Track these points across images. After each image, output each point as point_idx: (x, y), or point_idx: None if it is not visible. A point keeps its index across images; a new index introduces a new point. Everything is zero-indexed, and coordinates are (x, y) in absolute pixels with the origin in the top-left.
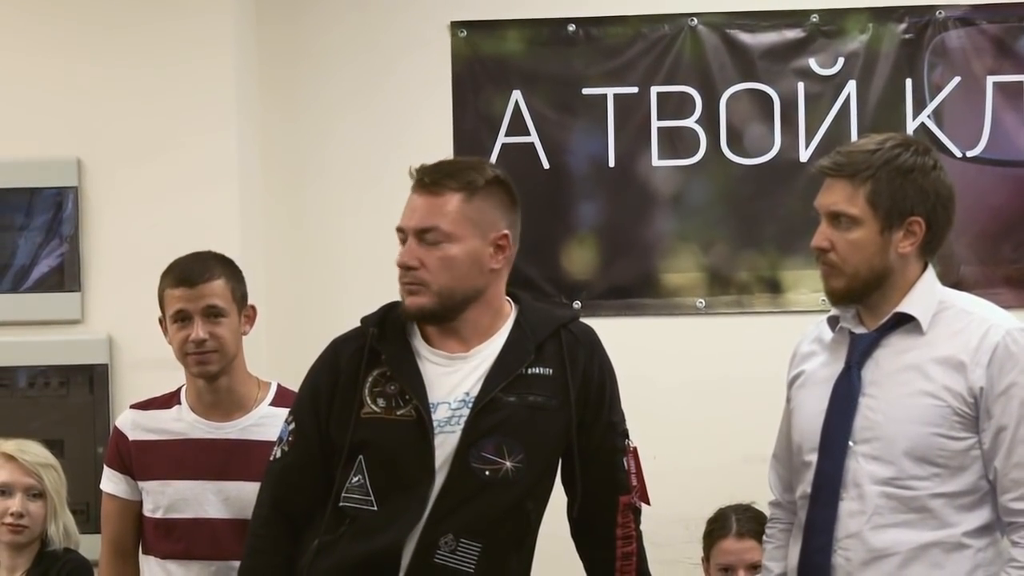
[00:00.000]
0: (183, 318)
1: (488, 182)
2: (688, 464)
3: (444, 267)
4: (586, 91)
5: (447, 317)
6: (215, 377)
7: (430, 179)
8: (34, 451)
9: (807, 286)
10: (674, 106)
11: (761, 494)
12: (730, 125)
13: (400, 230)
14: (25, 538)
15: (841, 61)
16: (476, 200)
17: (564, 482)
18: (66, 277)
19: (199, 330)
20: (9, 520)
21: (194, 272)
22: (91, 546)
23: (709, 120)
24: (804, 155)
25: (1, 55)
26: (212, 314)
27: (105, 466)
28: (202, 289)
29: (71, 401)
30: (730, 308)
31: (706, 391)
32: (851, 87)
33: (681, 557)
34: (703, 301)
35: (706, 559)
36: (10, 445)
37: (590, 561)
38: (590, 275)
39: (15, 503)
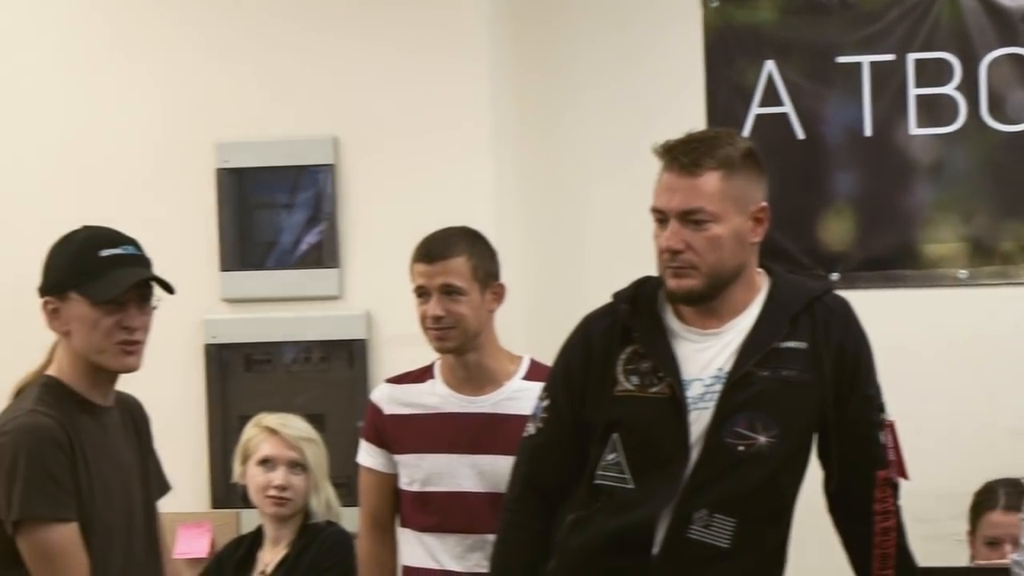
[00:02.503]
0: (423, 293)
1: (743, 156)
2: (950, 438)
3: (711, 248)
4: (841, 59)
5: (713, 297)
6: (460, 352)
7: (688, 159)
8: (296, 425)
9: None
10: (932, 73)
11: None
12: (991, 91)
13: (658, 211)
14: (288, 510)
15: None
16: (735, 176)
17: (820, 457)
18: (325, 254)
19: (435, 307)
20: (272, 493)
21: (434, 249)
22: (352, 519)
23: (969, 87)
24: None
25: (262, 37)
26: (449, 292)
27: (362, 440)
28: (440, 266)
29: (331, 376)
30: (993, 279)
31: (968, 364)
32: None
33: (945, 532)
34: (965, 272)
35: (972, 532)
36: (273, 419)
37: (848, 536)
38: (847, 246)
39: (278, 476)
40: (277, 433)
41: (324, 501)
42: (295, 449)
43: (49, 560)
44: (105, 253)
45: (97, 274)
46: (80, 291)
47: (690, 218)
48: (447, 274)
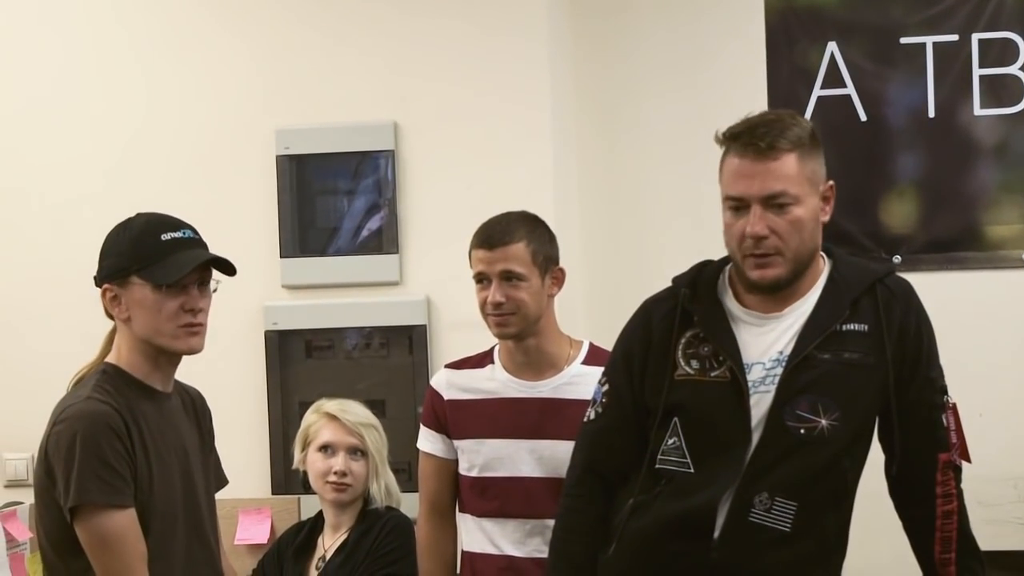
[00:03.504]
0: (483, 279)
1: (810, 135)
2: (1014, 421)
3: (795, 231)
4: (904, 40)
5: (793, 282)
6: (520, 338)
7: (765, 143)
8: (356, 411)
9: None
10: (996, 53)
11: None
12: None
13: (736, 199)
14: (348, 496)
15: None
16: (807, 157)
17: (881, 440)
18: (385, 240)
19: (495, 294)
20: (333, 478)
21: (494, 235)
22: (412, 504)
23: None
24: None
25: (322, 24)
26: (509, 277)
27: (422, 425)
28: (500, 252)
29: (392, 362)
30: None
31: None
32: None
33: (1010, 517)
34: None
35: None
36: (333, 405)
37: (909, 520)
38: (910, 229)
39: (339, 462)
40: (337, 419)
41: (384, 487)
42: (355, 435)
43: (106, 546)
44: (166, 237)
45: (159, 258)
46: (143, 275)
47: (773, 202)
48: (507, 260)
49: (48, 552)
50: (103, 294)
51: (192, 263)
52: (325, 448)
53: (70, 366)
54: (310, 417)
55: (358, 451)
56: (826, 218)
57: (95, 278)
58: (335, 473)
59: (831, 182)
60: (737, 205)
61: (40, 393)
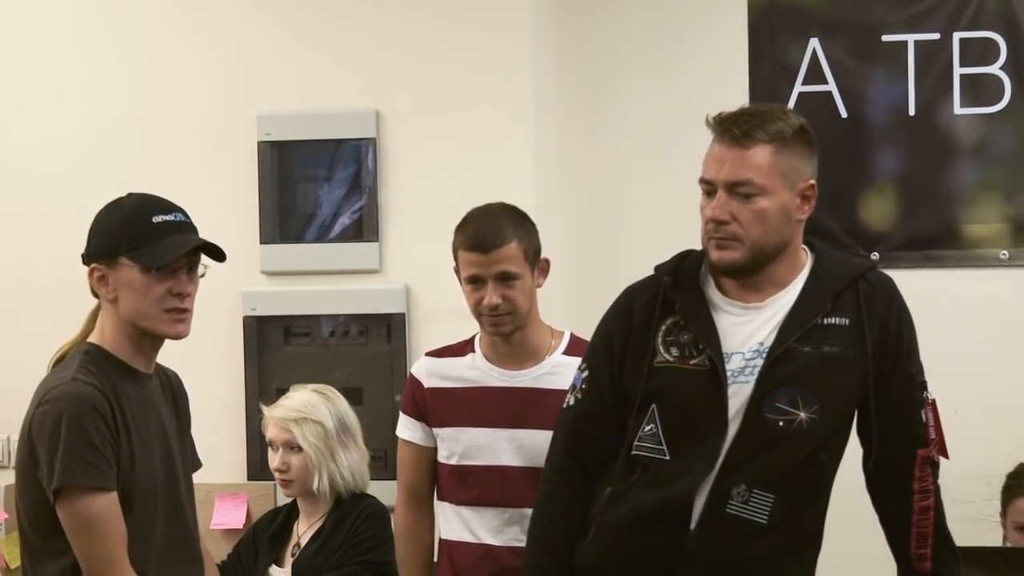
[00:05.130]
0: (476, 281)
1: (795, 131)
2: (989, 419)
3: (757, 221)
4: (886, 38)
5: (755, 271)
6: (510, 335)
7: (740, 131)
8: (290, 405)
9: None
10: (977, 52)
11: None
12: None
13: (707, 182)
14: (293, 491)
15: None
16: (785, 151)
17: (860, 434)
18: (365, 227)
19: (492, 296)
20: (277, 475)
21: (487, 238)
22: (389, 492)
23: (1015, 66)
24: None
25: (304, 10)
26: (505, 279)
27: (401, 412)
28: (495, 255)
29: (370, 349)
30: None
31: (1008, 345)
32: None
33: (982, 515)
34: (1007, 253)
35: (1004, 514)
36: (280, 401)
37: (886, 515)
38: (889, 226)
39: (276, 458)
40: (271, 417)
41: (327, 480)
42: (286, 431)
43: (88, 528)
44: (157, 219)
45: (149, 240)
46: (132, 256)
47: (738, 190)
48: (502, 262)
49: (28, 532)
50: (90, 273)
51: (183, 247)
52: (270, 444)
53: (47, 346)
54: (264, 413)
55: (294, 446)
56: (803, 216)
57: (83, 256)
58: (275, 470)
59: (812, 181)
60: (708, 189)
61: (15, 373)
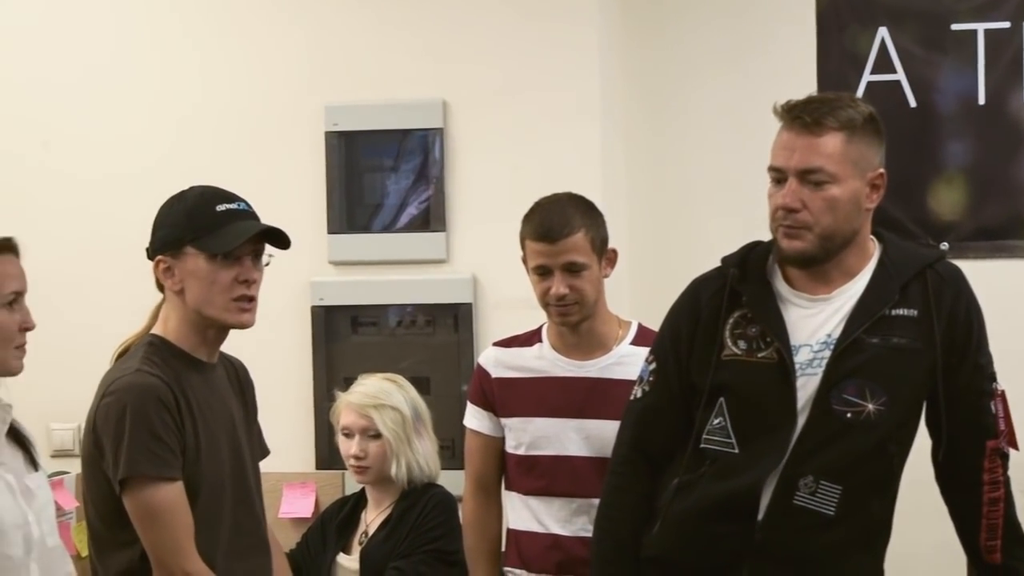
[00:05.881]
0: (544, 271)
1: (865, 119)
2: None
3: (828, 209)
4: (955, 27)
5: (824, 260)
6: (579, 324)
7: (811, 118)
8: (369, 391)
9: None
10: None
11: None
12: None
13: (776, 170)
14: (368, 478)
15: None
16: (856, 139)
17: (929, 425)
18: (432, 217)
19: (559, 286)
20: (352, 461)
21: (554, 228)
22: (457, 482)
23: None
24: None
25: (370, 1)
26: (572, 268)
27: (468, 403)
28: (562, 245)
29: (437, 339)
30: None
31: None
32: None
33: None
34: None
35: None
36: (355, 387)
37: (955, 506)
38: (958, 216)
39: (354, 445)
40: (350, 402)
41: (405, 467)
42: (364, 417)
43: (154, 518)
44: (221, 208)
45: (214, 228)
46: (197, 245)
47: (809, 177)
48: (569, 252)
49: (95, 523)
50: (156, 265)
51: (248, 233)
52: (345, 431)
53: (115, 337)
54: (337, 400)
55: (372, 433)
56: (871, 205)
57: (147, 249)
58: (352, 456)
59: (882, 170)
60: (777, 176)
61: (85, 364)
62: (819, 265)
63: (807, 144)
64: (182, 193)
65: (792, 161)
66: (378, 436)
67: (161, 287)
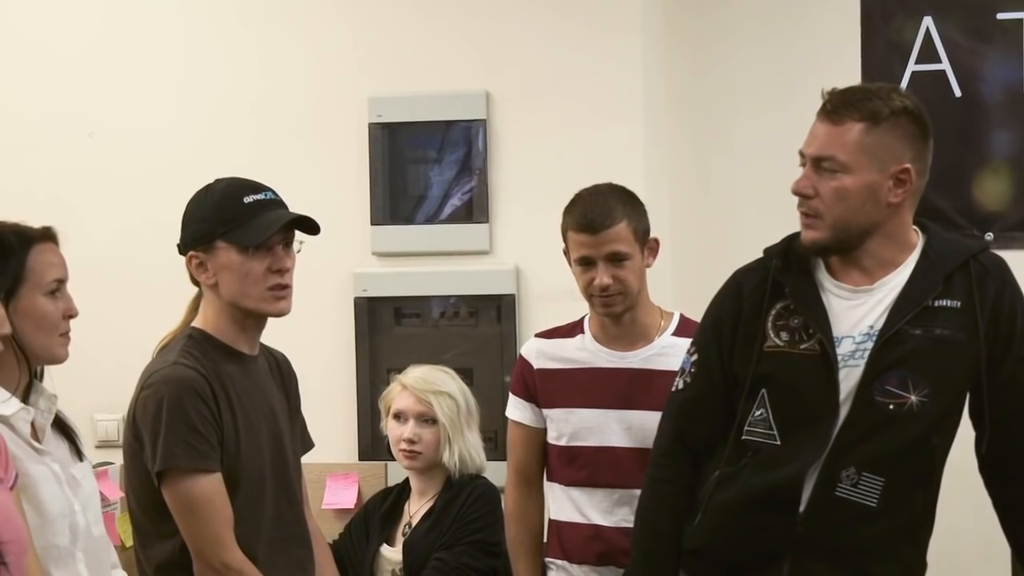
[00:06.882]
0: (586, 262)
1: (894, 112)
2: None
3: (837, 198)
4: (1001, 16)
5: (841, 250)
6: (621, 315)
7: (832, 106)
8: (430, 379)
9: None
10: None
11: None
12: None
13: (800, 155)
14: (420, 463)
15: None
16: (878, 131)
17: (972, 417)
18: (475, 209)
19: (603, 276)
20: (404, 446)
21: (596, 218)
22: (499, 473)
23: None
24: None
25: None
26: (615, 259)
27: (511, 394)
28: (605, 235)
29: (480, 331)
30: None
31: None
32: None
33: None
34: None
35: None
36: (410, 373)
37: (999, 499)
38: (1003, 206)
39: (407, 429)
40: (409, 387)
41: (457, 455)
42: (423, 403)
43: (192, 510)
44: (248, 200)
45: (243, 220)
46: (228, 238)
47: (822, 164)
48: (612, 242)
49: (137, 514)
50: (188, 261)
51: (278, 223)
52: (398, 416)
53: (160, 328)
54: (391, 385)
55: (427, 419)
56: (895, 200)
57: (179, 246)
58: (405, 440)
59: (908, 165)
60: (802, 162)
61: (130, 355)
62: (839, 254)
63: (826, 132)
64: (208, 187)
65: (811, 147)
66: (433, 422)
67: (195, 282)
